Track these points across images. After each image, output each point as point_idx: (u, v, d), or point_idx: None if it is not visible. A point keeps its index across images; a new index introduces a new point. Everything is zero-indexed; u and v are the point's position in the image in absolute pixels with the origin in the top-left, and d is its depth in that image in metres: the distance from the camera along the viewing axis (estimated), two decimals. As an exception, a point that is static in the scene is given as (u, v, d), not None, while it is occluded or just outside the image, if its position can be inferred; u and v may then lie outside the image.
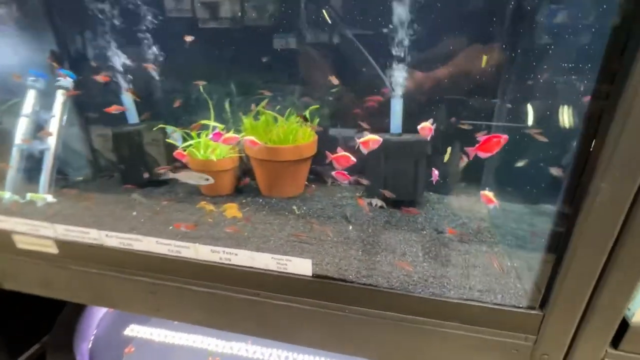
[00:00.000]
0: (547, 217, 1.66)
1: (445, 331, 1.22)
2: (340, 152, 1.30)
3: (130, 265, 1.50)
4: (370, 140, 1.34)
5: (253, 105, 1.86)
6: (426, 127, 1.42)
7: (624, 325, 1.06)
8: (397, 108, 1.77)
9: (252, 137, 1.48)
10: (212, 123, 1.82)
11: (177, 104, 1.78)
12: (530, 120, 1.36)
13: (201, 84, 1.85)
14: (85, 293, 1.63)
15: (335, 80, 1.62)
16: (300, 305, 1.34)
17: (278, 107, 1.89)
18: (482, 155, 1.23)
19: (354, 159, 1.29)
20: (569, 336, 1.11)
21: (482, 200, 1.37)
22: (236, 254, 1.37)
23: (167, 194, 1.91)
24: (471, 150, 1.26)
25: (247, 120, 1.84)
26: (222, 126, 1.83)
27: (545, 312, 1.10)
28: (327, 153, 1.31)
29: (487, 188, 1.85)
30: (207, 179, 1.56)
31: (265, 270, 1.35)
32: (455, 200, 1.86)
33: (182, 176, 1.63)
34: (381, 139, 1.37)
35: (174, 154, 1.65)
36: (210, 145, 1.87)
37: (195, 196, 1.88)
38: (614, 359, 1.10)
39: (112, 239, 1.48)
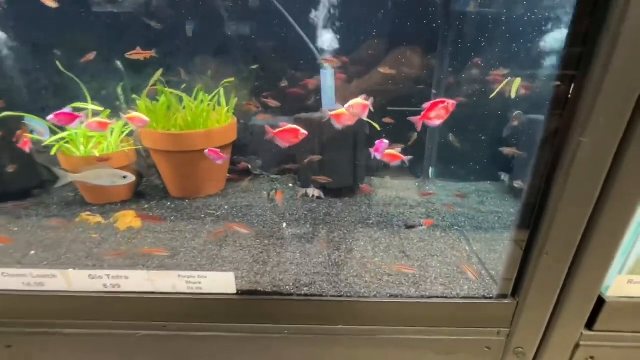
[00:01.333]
0: (494, 194, 1.56)
1: (408, 338, 1.00)
2: (285, 126, 0.99)
3: (-34, 313, 1.03)
4: (354, 105, 0.99)
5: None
6: (359, 104, 1.14)
7: (599, 303, 0.94)
8: (328, 81, 1.52)
9: (137, 114, 1.09)
10: (89, 106, 1.38)
11: None
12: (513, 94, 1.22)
13: (90, 57, 1.36)
14: None
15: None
16: (224, 334, 1.01)
17: (184, 85, 1.52)
18: (430, 123, 1.02)
19: (304, 131, 0.99)
20: (544, 323, 0.96)
21: (386, 160, 1.17)
22: (127, 277, 0.99)
23: (33, 207, 1.42)
24: (417, 120, 1.05)
25: (141, 103, 1.43)
26: (106, 111, 1.40)
27: (519, 299, 0.94)
28: (267, 128, 1.00)
29: (430, 168, 1.72)
30: (125, 177, 1.11)
31: (171, 293, 0.99)
32: (399, 184, 1.68)
33: (89, 176, 1.14)
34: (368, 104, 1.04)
35: (15, 138, 1.15)
36: (94, 138, 1.43)
37: (77, 207, 1.42)
38: (589, 340, 0.98)
39: None
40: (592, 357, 1.00)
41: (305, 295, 0.99)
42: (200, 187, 1.53)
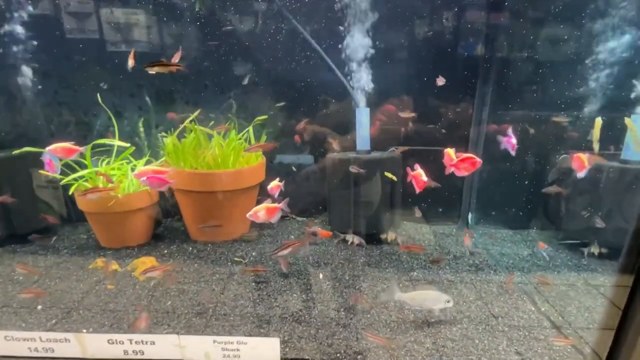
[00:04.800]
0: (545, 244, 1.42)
1: (481, 421, 0.84)
2: (460, 156, 0.91)
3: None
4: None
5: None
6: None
7: None
8: (363, 119, 1.45)
9: (150, 167, 1.00)
10: (116, 142, 1.29)
11: None
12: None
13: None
14: None
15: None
16: (262, 414, 0.85)
17: (212, 122, 1.45)
18: (459, 173, 0.94)
19: (479, 160, 0.91)
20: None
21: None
22: (152, 343, 0.84)
23: (41, 252, 1.28)
24: (448, 165, 0.97)
25: (169, 140, 1.35)
26: (130, 149, 1.31)
27: (616, 376, 0.79)
28: (408, 169, 0.97)
29: (469, 213, 1.62)
30: (449, 301, 0.95)
31: (203, 364, 0.84)
32: (436, 229, 1.56)
33: (415, 298, 0.96)
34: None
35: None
36: (114, 177, 1.33)
37: (90, 251, 1.29)
38: None
39: None
40: None
41: (360, 366, 0.85)
42: (225, 230, 1.41)
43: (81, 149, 0.95)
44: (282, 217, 1.63)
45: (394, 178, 1.36)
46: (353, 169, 1.33)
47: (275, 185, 1.08)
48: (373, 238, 1.42)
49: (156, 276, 1.14)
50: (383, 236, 1.42)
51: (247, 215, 0.97)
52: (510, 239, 1.46)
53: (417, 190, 1.04)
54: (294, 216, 1.67)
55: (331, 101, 1.57)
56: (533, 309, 1.04)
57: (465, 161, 0.86)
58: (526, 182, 1.47)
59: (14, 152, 1.21)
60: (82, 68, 1.45)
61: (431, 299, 0.96)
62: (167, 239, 1.40)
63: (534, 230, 1.50)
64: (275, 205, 0.99)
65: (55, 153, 0.94)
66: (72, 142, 0.96)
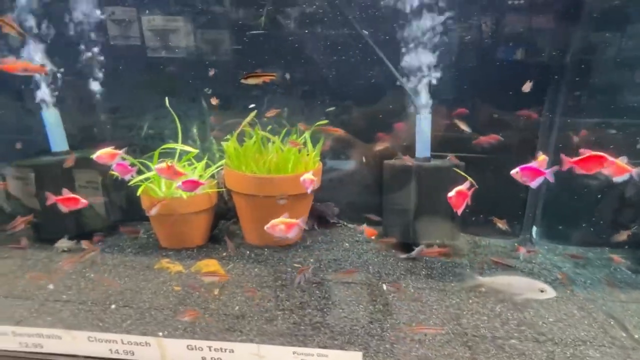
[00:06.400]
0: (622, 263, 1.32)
1: None
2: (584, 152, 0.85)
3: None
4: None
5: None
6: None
7: None
8: (424, 127, 1.40)
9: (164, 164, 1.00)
10: (179, 146, 1.30)
11: None
12: None
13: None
14: None
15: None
16: None
17: (270, 127, 1.44)
18: (580, 170, 0.87)
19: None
20: None
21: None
22: (232, 351, 0.83)
23: (107, 249, 1.31)
24: (567, 162, 0.89)
25: (229, 145, 1.35)
26: (194, 151, 1.32)
27: None
28: (564, 157, 0.83)
29: (533, 227, 1.54)
30: (543, 291, 0.84)
31: (281, 375, 0.82)
32: (495, 243, 1.49)
33: (498, 282, 0.89)
34: None
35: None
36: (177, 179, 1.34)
37: (152, 251, 1.30)
38: None
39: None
40: None
41: (446, 388, 0.80)
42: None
43: (121, 151, 0.97)
44: (334, 224, 1.62)
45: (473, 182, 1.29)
46: (408, 161, 1.30)
47: (308, 178, 1.04)
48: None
49: (216, 281, 1.12)
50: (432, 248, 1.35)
51: (265, 227, 0.95)
52: (583, 257, 1.37)
53: (459, 211, 0.94)
54: (345, 223, 1.64)
55: (388, 107, 1.54)
56: (624, 335, 0.96)
57: (590, 160, 0.78)
58: (600, 195, 1.38)
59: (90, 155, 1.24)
60: (147, 74, 1.49)
61: (519, 285, 0.83)
62: (224, 242, 1.40)
63: (608, 248, 1.40)
64: (293, 220, 0.97)
65: (101, 160, 0.95)
66: (113, 147, 0.98)
